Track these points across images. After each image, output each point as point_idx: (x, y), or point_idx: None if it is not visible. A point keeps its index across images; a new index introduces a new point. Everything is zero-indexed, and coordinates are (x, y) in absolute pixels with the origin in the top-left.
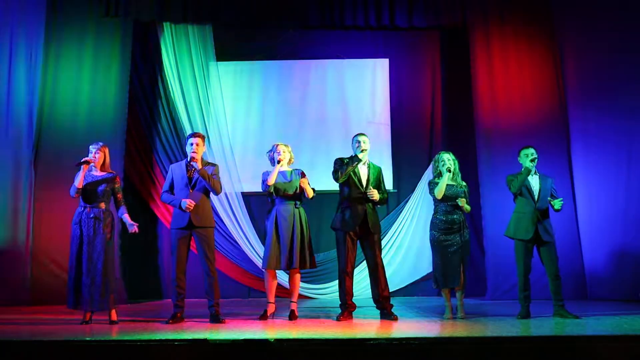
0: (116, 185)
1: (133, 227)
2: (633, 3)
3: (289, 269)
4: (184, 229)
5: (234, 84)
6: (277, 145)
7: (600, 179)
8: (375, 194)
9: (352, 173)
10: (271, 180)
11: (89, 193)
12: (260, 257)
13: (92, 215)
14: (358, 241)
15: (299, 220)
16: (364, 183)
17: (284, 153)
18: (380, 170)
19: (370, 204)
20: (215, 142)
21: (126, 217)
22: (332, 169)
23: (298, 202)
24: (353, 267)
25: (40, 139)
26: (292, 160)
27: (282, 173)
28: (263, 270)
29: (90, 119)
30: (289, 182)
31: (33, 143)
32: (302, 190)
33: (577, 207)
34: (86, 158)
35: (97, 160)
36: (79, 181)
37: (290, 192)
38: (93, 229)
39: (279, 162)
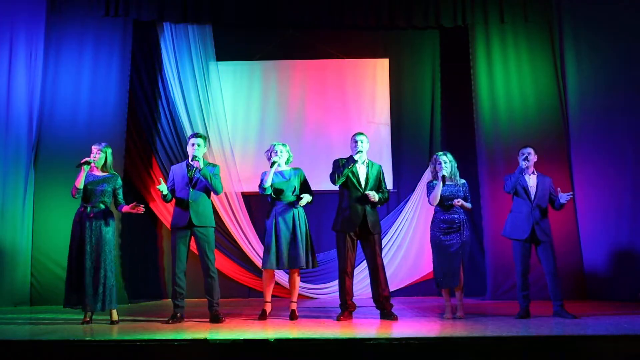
0: (117, 186)
1: (138, 207)
2: (633, 3)
3: (289, 269)
4: (183, 228)
5: (234, 84)
6: (275, 144)
7: (600, 179)
8: (374, 196)
9: (350, 174)
10: (267, 182)
11: (89, 193)
12: (260, 257)
13: (92, 215)
14: (358, 241)
15: (298, 220)
16: (363, 183)
17: (281, 152)
18: (380, 168)
19: (369, 204)
20: (215, 142)
21: (126, 208)
22: (331, 171)
23: (297, 202)
24: (353, 268)
25: (40, 139)
26: (291, 159)
27: (280, 173)
28: (263, 270)
29: (90, 119)
30: (287, 182)
31: (33, 143)
32: (301, 190)
33: (577, 207)
34: (86, 158)
35: (97, 161)
36: (78, 181)
37: (289, 192)
38: (93, 229)
39: (274, 163)
